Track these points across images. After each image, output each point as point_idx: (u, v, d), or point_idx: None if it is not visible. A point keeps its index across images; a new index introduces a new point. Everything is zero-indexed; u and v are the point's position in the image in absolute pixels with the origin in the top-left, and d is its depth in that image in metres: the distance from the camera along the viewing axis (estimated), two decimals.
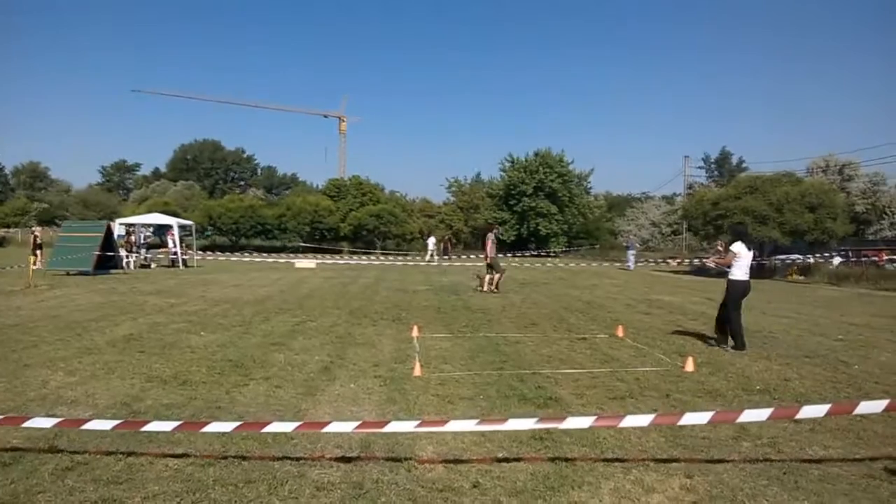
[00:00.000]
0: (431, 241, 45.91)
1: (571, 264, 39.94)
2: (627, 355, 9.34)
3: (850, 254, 32.54)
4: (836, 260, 30.86)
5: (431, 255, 43.67)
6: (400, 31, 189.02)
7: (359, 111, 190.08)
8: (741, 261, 9.96)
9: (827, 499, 4.23)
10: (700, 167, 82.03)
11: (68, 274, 22.85)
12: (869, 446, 5.31)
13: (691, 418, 4.51)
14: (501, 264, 20.04)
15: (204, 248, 42.45)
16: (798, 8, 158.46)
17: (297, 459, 4.78)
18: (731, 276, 10.08)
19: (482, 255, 20.00)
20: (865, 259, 31.83)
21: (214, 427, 4.57)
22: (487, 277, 19.07)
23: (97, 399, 6.42)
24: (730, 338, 9.95)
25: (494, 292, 18.47)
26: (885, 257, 32.98)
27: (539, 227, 58.70)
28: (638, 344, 10.28)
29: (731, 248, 10.22)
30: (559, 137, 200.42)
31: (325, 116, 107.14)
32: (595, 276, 27.60)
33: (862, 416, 5.88)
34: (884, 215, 52.09)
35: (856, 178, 54.29)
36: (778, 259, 33.09)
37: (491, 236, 19.50)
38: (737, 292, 9.99)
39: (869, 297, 20.38)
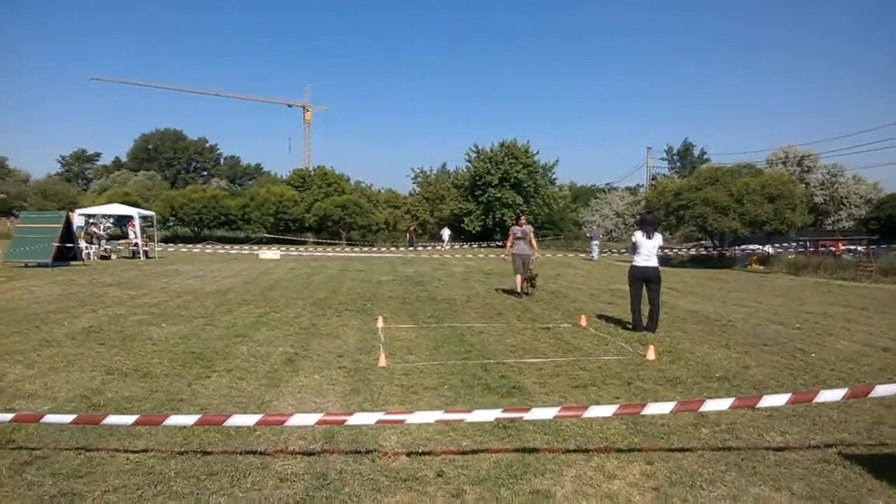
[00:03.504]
0: (446, 232, 50.92)
1: (536, 254, 40.09)
2: (590, 344, 9.44)
3: (809, 244, 33.17)
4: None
5: (445, 246, 47.21)
6: (364, 21, 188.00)
7: (324, 101, 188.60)
8: (640, 248, 10.68)
9: (783, 483, 4.32)
10: (663, 158, 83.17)
11: (26, 266, 22.38)
12: (824, 432, 5.43)
13: (654, 408, 4.58)
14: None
15: (166, 240, 42.02)
16: (758, 2, 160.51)
17: (261, 452, 4.76)
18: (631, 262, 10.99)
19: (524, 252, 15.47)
20: (823, 249, 32.47)
21: (175, 420, 4.53)
22: (521, 278, 15.50)
23: (56, 392, 6.33)
24: (647, 317, 10.67)
25: (527, 293, 15.53)
26: (843, 247, 33.68)
27: (505, 218, 58.83)
28: (600, 333, 10.39)
29: (632, 236, 11.13)
30: (524, 128, 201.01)
31: (290, 106, 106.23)
32: (559, 267, 27.78)
33: (818, 403, 6.02)
34: (841, 206, 53.25)
35: (814, 169, 55.42)
36: (738, 249, 33.62)
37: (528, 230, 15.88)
38: (631, 276, 10.82)
39: (826, 286, 20.78)
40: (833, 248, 32.87)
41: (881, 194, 52.38)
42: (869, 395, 4.82)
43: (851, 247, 34.09)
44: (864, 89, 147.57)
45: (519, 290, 15.44)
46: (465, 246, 50.70)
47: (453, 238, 56.82)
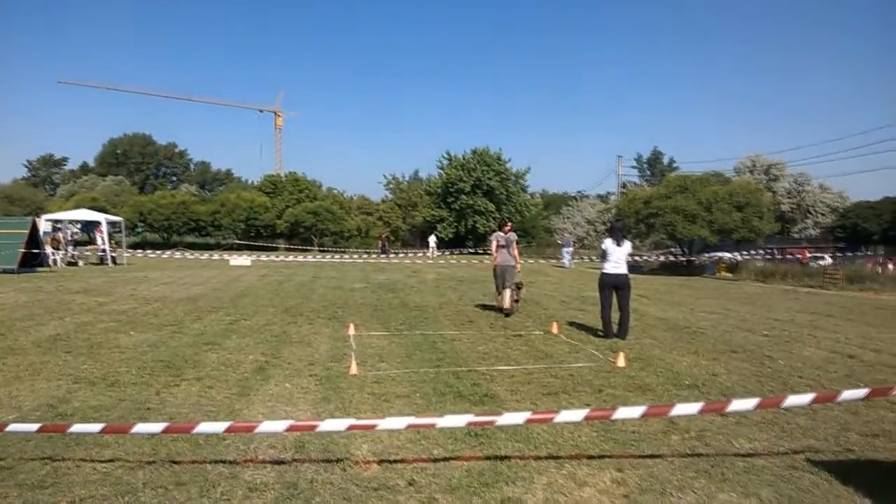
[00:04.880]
0: (433, 239, 50.60)
1: (519, 266, 40.13)
2: (562, 351, 9.48)
3: (776, 251, 33.68)
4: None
5: (433, 253, 47.29)
6: (337, 27, 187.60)
7: (296, 107, 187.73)
8: (609, 255, 10.71)
9: (752, 490, 4.37)
10: (633, 167, 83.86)
11: None
12: (792, 439, 5.50)
13: (623, 413, 4.62)
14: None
15: (134, 246, 41.51)
16: (726, 12, 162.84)
17: (230, 461, 4.72)
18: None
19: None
20: (790, 256, 32.98)
21: (143, 428, 4.47)
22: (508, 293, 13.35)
23: (21, 401, 6.22)
24: (617, 325, 10.72)
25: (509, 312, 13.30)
26: (809, 255, 34.28)
27: (477, 225, 58.99)
28: (572, 340, 10.44)
29: (602, 243, 11.14)
30: (496, 135, 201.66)
31: (261, 111, 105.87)
32: (531, 274, 27.83)
33: (786, 409, 6.11)
34: (808, 214, 54.14)
35: (781, 178, 56.35)
36: (707, 256, 34.02)
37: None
38: (601, 284, 10.87)
39: (793, 293, 21.09)
40: (800, 256, 33.43)
41: (846, 203, 53.39)
42: (836, 401, 4.89)
43: (818, 254, 34.71)
44: (830, 99, 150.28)
45: (506, 305, 13.18)
46: (447, 253, 50.99)
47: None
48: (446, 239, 58.43)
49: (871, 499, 4.20)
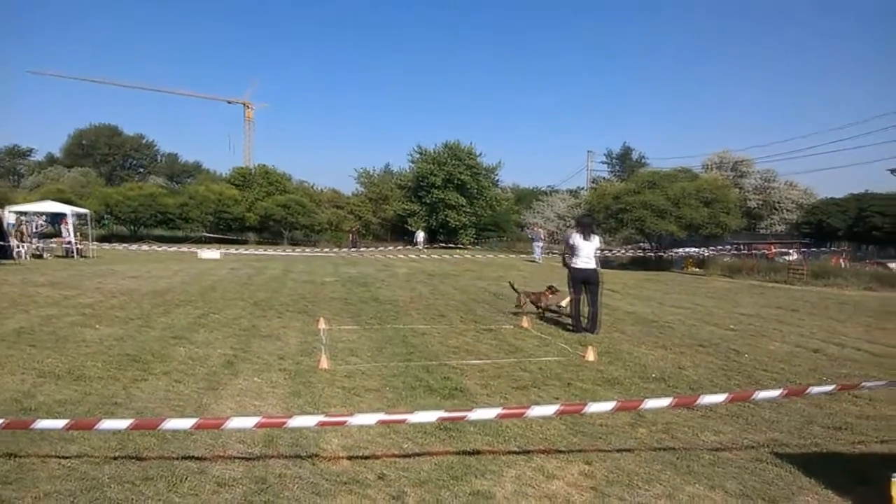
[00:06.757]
0: (420, 234, 52.07)
1: (479, 256, 40.32)
2: (532, 345, 9.54)
3: (743, 247, 34.12)
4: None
5: (422, 246, 48.94)
6: (307, 19, 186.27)
7: (266, 99, 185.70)
8: (579, 250, 10.76)
9: (717, 482, 4.44)
10: (603, 162, 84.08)
11: None
12: (757, 431, 5.60)
13: (595, 407, 4.66)
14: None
15: (101, 238, 40.80)
16: (695, 10, 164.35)
17: (198, 456, 4.68)
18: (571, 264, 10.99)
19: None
20: (756, 252, 33.44)
21: (109, 424, 4.42)
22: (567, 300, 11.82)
23: None
24: (587, 319, 10.78)
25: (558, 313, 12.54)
26: (775, 250, 34.78)
27: (448, 219, 58.92)
28: (542, 334, 10.51)
29: (571, 238, 11.16)
30: (468, 129, 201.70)
31: (229, 102, 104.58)
32: (503, 268, 27.98)
33: (752, 402, 6.21)
34: (774, 210, 54.91)
35: (749, 174, 57.06)
36: (674, 252, 34.37)
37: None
38: (571, 278, 10.93)
39: (760, 288, 21.41)
40: (766, 252, 33.90)
41: (812, 199, 54.15)
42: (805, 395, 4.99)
43: (784, 250, 35.23)
44: (797, 97, 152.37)
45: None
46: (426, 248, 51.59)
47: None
48: (413, 231, 58.38)
49: (833, 491, 4.29)
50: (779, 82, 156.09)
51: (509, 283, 13.90)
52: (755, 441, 5.33)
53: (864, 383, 5.71)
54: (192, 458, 4.65)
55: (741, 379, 7.69)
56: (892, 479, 3.53)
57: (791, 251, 34.55)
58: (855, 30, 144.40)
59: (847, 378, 7.74)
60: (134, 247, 37.68)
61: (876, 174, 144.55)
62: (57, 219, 33.62)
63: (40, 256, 27.90)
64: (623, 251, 39.17)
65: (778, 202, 54.86)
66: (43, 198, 42.34)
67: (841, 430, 5.66)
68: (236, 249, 41.32)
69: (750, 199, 53.54)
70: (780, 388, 5.04)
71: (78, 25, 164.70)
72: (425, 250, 47.10)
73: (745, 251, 34.05)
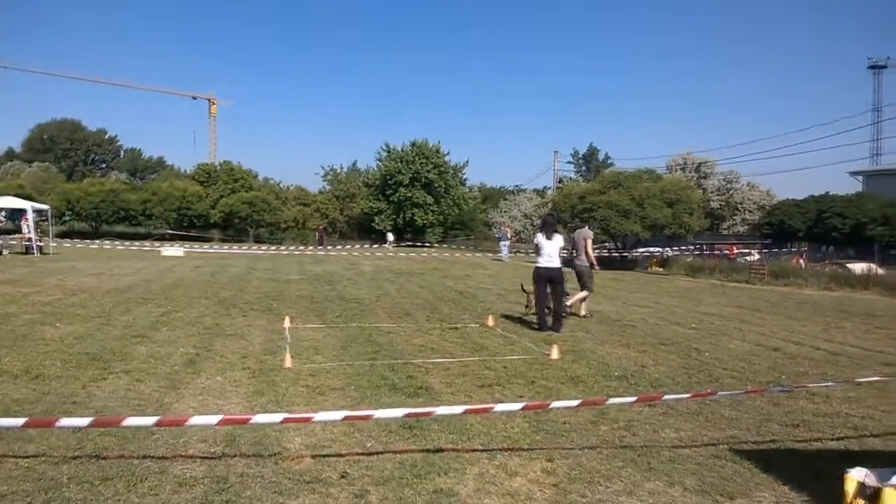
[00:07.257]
0: (390, 235, 53.80)
1: (446, 254, 40.39)
2: (497, 344, 9.58)
3: (705, 247, 34.60)
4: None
5: (391, 245, 50.09)
6: (273, 15, 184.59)
7: (231, 95, 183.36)
8: (542, 249, 10.95)
9: (677, 478, 4.50)
10: (569, 162, 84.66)
11: None
12: (716, 429, 5.68)
13: (559, 405, 4.71)
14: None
15: (61, 235, 40.24)
16: (659, 11, 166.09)
17: (159, 456, 4.63)
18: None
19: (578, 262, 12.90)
20: (718, 252, 33.93)
21: (68, 422, 4.36)
22: (581, 295, 12.73)
23: None
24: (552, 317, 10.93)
25: (576, 314, 12.70)
26: (737, 251, 35.31)
27: (415, 218, 58.93)
28: (507, 333, 10.56)
29: (534, 238, 11.43)
30: (434, 128, 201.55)
31: (194, 98, 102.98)
32: (469, 267, 28.05)
33: (711, 400, 6.31)
34: (736, 211, 55.78)
35: (711, 175, 57.94)
36: (638, 252, 34.73)
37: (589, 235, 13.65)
38: (535, 277, 11.09)
39: (721, 288, 21.71)
40: (728, 252, 34.40)
41: (773, 200, 54.99)
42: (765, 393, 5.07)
43: (745, 250, 35.77)
44: (758, 99, 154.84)
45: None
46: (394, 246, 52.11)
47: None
48: (384, 231, 58.30)
49: (789, 486, 4.37)
50: (742, 84, 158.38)
51: (521, 285, 13.95)
52: (714, 438, 5.41)
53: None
54: (152, 457, 4.60)
55: (702, 377, 7.79)
56: (847, 475, 3.61)
57: (752, 251, 35.07)
58: (817, 31, 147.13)
59: (805, 376, 7.92)
60: (95, 244, 37.09)
61: (838, 176, 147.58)
62: (16, 215, 33.00)
63: None
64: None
65: (740, 203, 55.74)
66: (2, 193, 41.51)
67: (798, 428, 5.77)
68: (200, 247, 40.91)
69: (712, 200, 54.33)
70: (740, 386, 5.14)
71: (42, 19, 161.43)
72: (392, 249, 47.47)
73: (707, 251, 34.53)
